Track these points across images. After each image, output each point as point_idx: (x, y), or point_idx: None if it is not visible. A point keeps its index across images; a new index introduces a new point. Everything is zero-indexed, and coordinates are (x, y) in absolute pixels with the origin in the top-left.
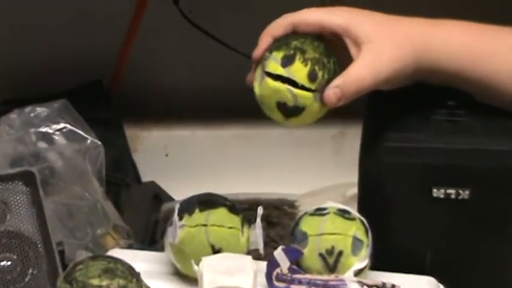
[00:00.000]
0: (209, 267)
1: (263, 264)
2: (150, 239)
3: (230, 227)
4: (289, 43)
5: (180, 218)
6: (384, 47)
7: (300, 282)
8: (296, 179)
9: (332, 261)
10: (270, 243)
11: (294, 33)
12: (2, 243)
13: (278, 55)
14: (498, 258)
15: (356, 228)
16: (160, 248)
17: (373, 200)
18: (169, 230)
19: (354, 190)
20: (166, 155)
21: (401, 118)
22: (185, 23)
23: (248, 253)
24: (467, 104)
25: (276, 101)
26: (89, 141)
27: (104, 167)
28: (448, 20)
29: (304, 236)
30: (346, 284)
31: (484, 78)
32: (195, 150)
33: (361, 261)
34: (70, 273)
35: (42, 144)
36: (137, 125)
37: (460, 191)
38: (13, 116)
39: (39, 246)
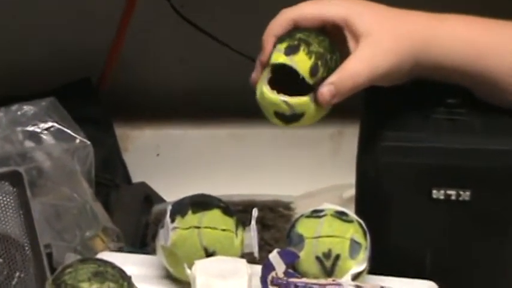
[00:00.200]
0: (202, 271)
1: (258, 268)
2: (140, 241)
3: (224, 230)
4: (294, 35)
5: (172, 220)
6: (382, 41)
7: (296, 286)
8: (292, 180)
9: (329, 264)
10: (265, 246)
11: (297, 28)
12: None
13: (281, 46)
14: (499, 261)
15: (354, 231)
16: (152, 251)
17: (371, 202)
18: (161, 232)
19: (352, 191)
20: (158, 154)
21: (399, 116)
22: (177, 18)
23: (242, 256)
24: (467, 102)
25: (273, 111)
26: (77, 140)
27: (93, 167)
28: (450, 14)
29: (301, 239)
30: None
31: (485, 73)
32: (187, 150)
33: (359, 264)
34: (59, 277)
35: (29, 144)
36: (127, 124)
37: (461, 192)
38: None
39: (27, 248)
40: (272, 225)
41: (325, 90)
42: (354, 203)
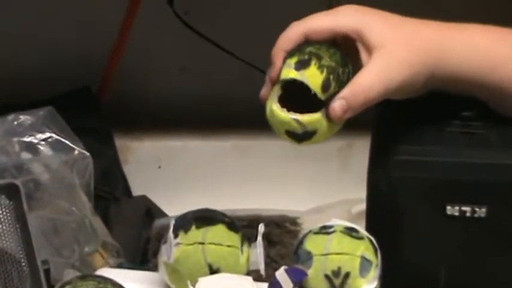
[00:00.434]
0: None
1: (264, 286)
2: (141, 257)
3: (229, 246)
4: (304, 49)
5: (175, 236)
6: (395, 52)
7: None
8: (299, 194)
9: (338, 283)
10: (271, 263)
11: (308, 41)
12: None
13: (292, 60)
14: None
15: (364, 248)
16: (153, 268)
17: (383, 218)
18: (164, 248)
19: (361, 206)
20: (159, 167)
21: (412, 129)
22: (180, 26)
23: (248, 274)
24: (483, 115)
25: (284, 130)
26: (76, 152)
27: (92, 180)
28: (465, 24)
29: (309, 256)
30: None
31: (502, 84)
32: (190, 162)
33: (370, 283)
34: None
35: (26, 155)
36: (128, 135)
37: (476, 209)
38: None
39: (23, 264)
40: (278, 241)
41: (337, 105)
42: (363, 218)
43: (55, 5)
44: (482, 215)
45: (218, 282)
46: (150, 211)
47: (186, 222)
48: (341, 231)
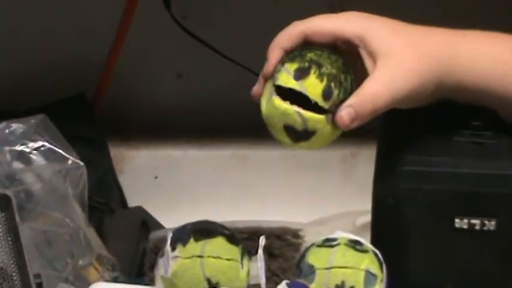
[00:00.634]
0: None
1: None
2: (137, 271)
3: (228, 259)
4: (304, 55)
5: (173, 249)
6: (403, 60)
7: None
8: (301, 206)
9: None
10: (272, 277)
11: (308, 45)
12: None
13: (291, 67)
14: None
15: (369, 262)
16: (150, 281)
17: (388, 230)
18: (161, 261)
19: (366, 218)
20: (156, 177)
21: (420, 139)
22: (178, 30)
23: None
24: (494, 124)
25: (283, 124)
26: (70, 161)
27: (86, 190)
28: (473, 31)
29: (312, 270)
30: None
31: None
32: (188, 172)
33: None
34: None
35: (17, 165)
36: (123, 144)
37: (486, 222)
38: None
39: (15, 278)
40: (279, 255)
41: (344, 113)
42: (368, 231)
43: (49, 10)
44: (492, 228)
45: None
46: (147, 223)
47: (184, 234)
48: (345, 244)
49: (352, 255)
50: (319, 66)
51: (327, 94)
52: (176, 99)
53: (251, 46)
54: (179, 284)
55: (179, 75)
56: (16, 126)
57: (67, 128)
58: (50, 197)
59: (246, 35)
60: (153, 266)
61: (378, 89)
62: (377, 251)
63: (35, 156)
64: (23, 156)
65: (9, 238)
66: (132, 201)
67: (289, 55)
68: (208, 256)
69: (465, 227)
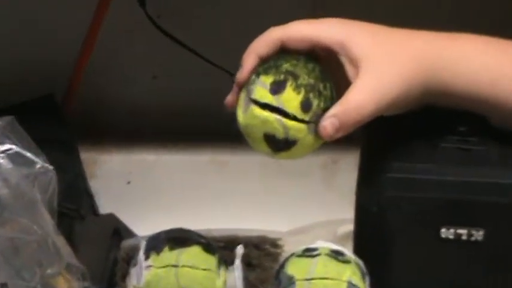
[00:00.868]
0: None
1: None
2: (108, 280)
3: (204, 269)
4: (280, 66)
5: (147, 258)
6: (386, 66)
7: None
8: (280, 214)
9: None
10: None
11: (284, 53)
12: None
13: (267, 80)
14: None
15: (351, 273)
16: None
17: (372, 240)
18: (133, 271)
19: (348, 227)
20: (128, 182)
21: (405, 145)
22: (152, 30)
23: None
24: (481, 130)
25: (263, 133)
26: (38, 165)
27: (55, 196)
28: (462, 34)
29: (291, 281)
30: None
31: (501, 99)
32: (162, 178)
33: None
34: None
35: None
36: (95, 147)
37: (473, 232)
38: None
39: None
40: (258, 265)
41: (328, 123)
42: (350, 240)
43: (17, 5)
44: (479, 238)
45: None
46: (119, 230)
47: (158, 243)
48: (326, 254)
49: (333, 266)
50: (296, 77)
51: (305, 106)
52: (151, 100)
53: (229, 47)
54: None
55: (154, 76)
56: None
57: (36, 131)
58: (18, 203)
59: (224, 35)
60: (125, 275)
61: (362, 98)
62: (360, 262)
63: (1, 160)
64: None
65: None
66: (104, 208)
67: (264, 65)
68: (183, 266)
69: (451, 237)
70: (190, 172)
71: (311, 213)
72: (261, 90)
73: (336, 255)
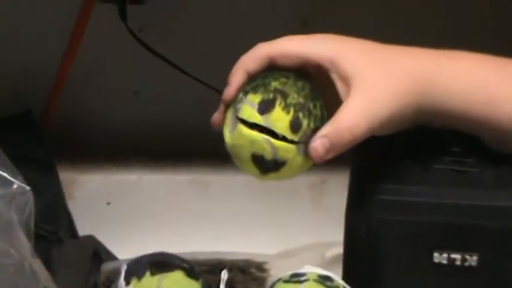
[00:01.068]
0: None
1: None
2: None
3: None
4: (268, 84)
5: (127, 283)
6: (379, 84)
7: None
8: (266, 236)
9: None
10: None
11: (273, 70)
12: None
13: (255, 99)
14: None
15: None
16: None
17: (361, 265)
18: None
19: (337, 250)
20: (108, 203)
21: (396, 166)
22: (134, 44)
23: None
24: (476, 151)
25: (251, 153)
26: (15, 185)
27: (32, 218)
28: (457, 51)
29: None
30: None
31: (496, 119)
32: (143, 198)
33: None
34: None
35: None
36: (74, 167)
37: (467, 257)
38: None
39: None
40: None
41: (318, 144)
42: (339, 263)
43: None
44: (474, 263)
45: None
46: (98, 253)
47: (139, 267)
48: (314, 280)
49: None
50: (285, 96)
51: (295, 126)
52: (132, 118)
53: (214, 62)
54: None
55: (135, 92)
56: None
57: (12, 149)
58: None
59: (208, 50)
60: None
61: (354, 117)
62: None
63: None
64: None
65: None
66: (83, 230)
67: (252, 83)
68: None
69: (445, 262)
70: (173, 192)
71: (299, 235)
72: (249, 109)
73: (324, 280)
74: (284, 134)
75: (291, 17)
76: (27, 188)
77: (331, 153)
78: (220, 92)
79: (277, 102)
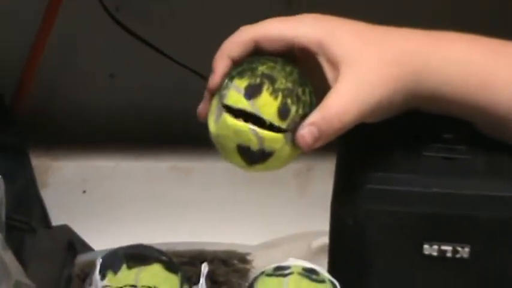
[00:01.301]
0: None
1: None
2: None
3: None
4: (255, 68)
5: (103, 277)
6: (369, 69)
7: None
8: (249, 226)
9: None
10: None
11: (259, 54)
12: None
13: (241, 84)
14: None
15: None
16: None
17: (348, 256)
18: None
19: (324, 240)
20: (84, 191)
21: (384, 154)
22: (110, 24)
23: None
24: (468, 138)
25: (236, 144)
26: None
27: (3, 207)
28: (449, 32)
29: None
30: None
31: (490, 104)
32: (120, 187)
33: None
34: None
35: None
36: (47, 153)
37: (459, 248)
38: None
39: None
40: (224, 282)
41: (306, 132)
42: (325, 254)
43: None
44: (465, 255)
45: None
46: (73, 244)
47: (115, 260)
48: (298, 273)
49: (306, 286)
50: (273, 81)
51: (283, 112)
52: (108, 102)
53: (193, 43)
54: None
55: (111, 74)
56: None
57: None
58: None
59: (188, 31)
60: None
61: (343, 103)
62: (335, 281)
63: None
64: None
65: None
66: (57, 219)
67: (238, 68)
68: (143, 286)
69: (435, 254)
70: (151, 180)
71: (283, 224)
72: (235, 94)
73: (309, 274)
74: (272, 120)
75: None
76: None
77: (320, 142)
78: (200, 75)
79: (265, 87)
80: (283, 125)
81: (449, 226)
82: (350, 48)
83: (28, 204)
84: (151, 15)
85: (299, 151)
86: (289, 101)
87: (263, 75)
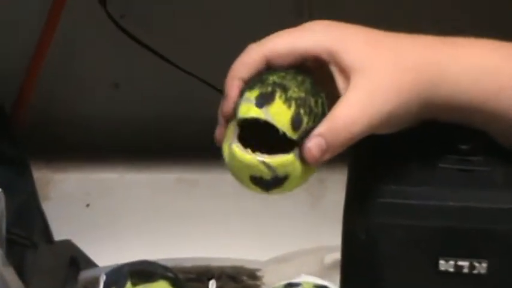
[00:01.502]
0: None
1: None
2: None
3: None
4: (266, 79)
5: None
6: (380, 77)
7: None
8: (258, 240)
9: None
10: None
11: (269, 68)
12: None
13: (251, 95)
14: None
15: None
16: None
17: (361, 272)
18: None
19: (337, 255)
20: (87, 205)
21: (398, 166)
22: (115, 31)
23: None
24: (485, 149)
25: (249, 176)
26: None
27: (4, 221)
28: (463, 38)
29: None
30: None
31: (509, 111)
32: (125, 200)
33: None
34: None
35: None
36: (49, 166)
37: (476, 264)
38: None
39: None
40: None
41: (313, 144)
42: (337, 270)
43: None
44: (483, 271)
45: None
46: (76, 260)
47: (119, 277)
48: None
49: None
50: (285, 89)
51: (296, 123)
52: (112, 112)
53: (201, 51)
54: None
55: (115, 84)
56: None
57: None
58: None
59: (194, 38)
60: None
61: (352, 114)
62: None
63: None
64: None
65: None
66: (59, 234)
67: (247, 83)
68: None
69: (451, 269)
70: (156, 193)
71: (294, 238)
72: (245, 105)
73: None
74: (284, 130)
75: (284, 4)
76: None
77: (328, 154)
78: (208, 83)
79: (277, 95)
80: (294, 136)
81: (466, 241)
82: (362, 56)
83: (29, 218)
84: (157, 23)
85: (313, 168)
86: (302, 111)
87: (274, 84)
